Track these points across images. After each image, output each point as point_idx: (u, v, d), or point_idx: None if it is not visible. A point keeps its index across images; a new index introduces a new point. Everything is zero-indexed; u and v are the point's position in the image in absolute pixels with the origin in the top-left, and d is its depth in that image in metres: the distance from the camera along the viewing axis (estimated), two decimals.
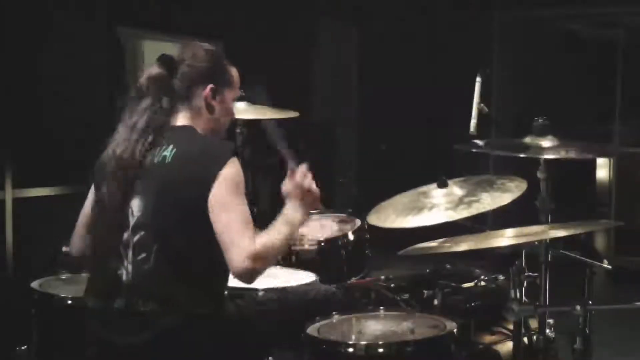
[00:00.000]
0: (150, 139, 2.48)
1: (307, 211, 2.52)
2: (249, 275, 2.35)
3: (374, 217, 2.91)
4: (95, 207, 2.59)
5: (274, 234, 2.42)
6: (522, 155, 2.72)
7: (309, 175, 2.52)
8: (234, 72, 2.70)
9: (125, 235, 2.44)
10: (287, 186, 2.52)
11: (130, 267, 2.43)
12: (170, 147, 2.47)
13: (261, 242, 2.36)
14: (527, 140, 2.80)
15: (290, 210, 2.49)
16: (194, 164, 2.44)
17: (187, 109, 2.59)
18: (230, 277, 2.56)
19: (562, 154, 2.65)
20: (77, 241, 2.70)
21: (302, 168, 2.52)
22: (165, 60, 2.59)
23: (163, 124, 2.53)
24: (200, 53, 2.62)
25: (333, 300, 2.85)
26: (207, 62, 2.61)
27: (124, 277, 2.43)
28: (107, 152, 2.56)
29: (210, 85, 2.60)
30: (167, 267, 2.41)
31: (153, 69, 2.58)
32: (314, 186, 2.52)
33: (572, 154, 2.66)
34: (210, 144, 2.56)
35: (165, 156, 2.46)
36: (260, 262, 2.34)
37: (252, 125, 3.84)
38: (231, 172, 2.42)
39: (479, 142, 2.95)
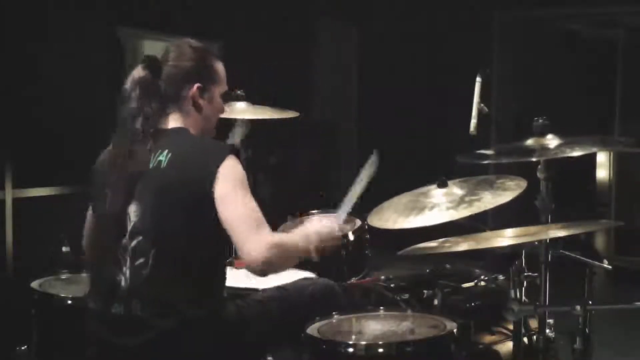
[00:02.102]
0: (148, 144, 2.47)
1: (320, 245, 2.53)
2: (265, 264, 2.34)
3: (374, 218, 2.91)
4: (93, 212, 2.59)
5: (290, 237, 2.47)
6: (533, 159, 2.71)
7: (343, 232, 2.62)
8: (220, 67, 2.68)
9: (123, 240, 2.44)
10: (322, 218, 2.59)
11: (128, 273, 2.43)
12: (165, 151, 2.46)
13: (278, 235, 2.41)
14: (530, 142, 2.80)
15: (309, 231, 2.52)
16: (191, 165, 2.44)
17: (177, 110, 2.58)
18: (229, 277, 2.57)
19: (567, 152, 2.64)
20: (89, 249, 2.73)
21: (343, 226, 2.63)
22: (149, 62, 2.57)
23: (156, 128, 2.52)
24: (185, 51, 2.60)
25: (332, 294, 2.85)
26: (192, 60, 2.59)
27: (123, 283, 2.43)
28: (103, 159, 2.56)
29: (197, 85, 2.59)
30: (166, 271, 2.41)
31: (138, 72, 2.56)
32: (337, 241, 2.59)
33: (577, 151, 2.65)
34: (205, 144, 2.56)
35: (160, 161, 2.45)
36: (276, 254, 2.34)
37: (252, 125, 3.83)
38: (231, 167, 2.42)
39: (484, 152, 2.94)
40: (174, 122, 2.58)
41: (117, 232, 2.45)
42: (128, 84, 2.55)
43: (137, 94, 2.52)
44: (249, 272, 2.43)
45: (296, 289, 2.79)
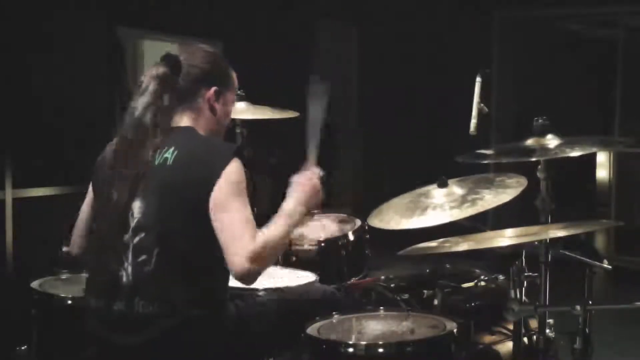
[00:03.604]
0: (157, 140, 2.48)
1: (308, 208, 2.53)
2: (250, 276, 2.35)
3: (376, 219, 2.90)
4: (95, 207, 2.59)
5: (274, 231, 2.42)
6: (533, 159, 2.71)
7: (320, 177, 2.56)
8: (233, 74, 2.71)
9: (126, 237, 2.44)
10: (298, 177, 2.53)
11: (130, 269, 2.42)
12: (172, 148, 2.47)
13: (261, 241, 2.35)
14: (530, 142, 2.79)
15: (292, 204, 2.49)
16: (196, 165, 2.44)
17: (189, 109, 2.59)
18: (231, 277, 2.57)
19: (567, 152, 2.64)
20: (78, 240, 2.72)
21: (317, 168, 2.56)
22: (170, 60, 2.58)
23: (165, 124, 2.53)
24: (201, 54, 2.62)
25: (333, 300, 2.85)
26: (210, 63, 2.62)
27: (124, 279, 2.43)
28: (109, 152, 2.55)
29: (215, 87, 2.60)
30: (168, 269, 2.41)
31: (158, 68, 2.56)
32: (320, 188, 2.55)
33: (577, 151, 2.65)
34: (212, 145, 2.56)
35: (166, 158, 2.46)
36: (260, 262, 2.34)
37: (252, 125, 3.84)
38: (233, 172, 2.42)
39: (484, 152, 2.94)
40: (183, 120, 2.58)
41: (119, 228, 2.45)
42: (145, 79, 2.56)
43: (153, 89, 2.53)
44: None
45: (296, 294, 2.79)
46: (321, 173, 2.57)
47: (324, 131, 2.65)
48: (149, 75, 2.56)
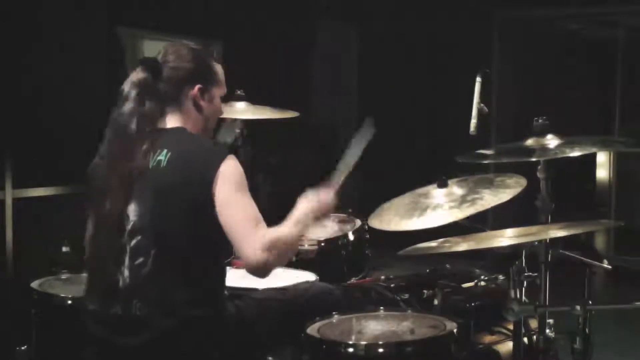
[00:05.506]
0: (146, 144, 2.47)
1: (316, 218, 2.56)
2: (265, 266, 2.36)
3: (376, 220, 2.90)
4: (90, 212, 2.58)
5: (284, 228, 2.46)
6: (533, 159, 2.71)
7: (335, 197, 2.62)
8: (219, 68, 2.69)
9: (122, 240, 2.44)
10: (315, 191, 2.56)
11: (127, 272, 2.42)
12: (165, 150, 2.46)
13: (273, 233, 2.39)
14: (530, 142, 2.79)
15: (304, 210, 2.53)
16: (191, 165, 2.44)
17: (177, 110, 2.59)
18: (229, 277, 2.57)
19: (567, 152, 2.64)
20: None
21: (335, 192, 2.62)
22: (149, 64, 2.57)
23: (153, 128, 2.52)
24: (184, 52, 2.61)
25: (331, 297, 2.85)
26: (192, 61, 2.60)
27: (121, 282, 2.43)
28: (99, 159, 2.55)
29: (198, 86, 2.60)
30: (165, 270, 2.41)
31: (137, 74, 2.56)
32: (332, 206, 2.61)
33: (577, 151, 2.65)
34: (204, 144, 2.56)
35: (160, 160, 2.45)
36: (274, 252, 2.35)
37: (252, 125, 3.84)
38: (231, 168, 2.43)
39: (484, 152, 2.94)
40: (173, 122, 2.58)
41: (115, 232, 2.45)
42: (125, 86, 2.55)
43: (134, 95, 2.52)
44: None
45: (295, 292, 2.79)
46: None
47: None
48: (129, 82, 2.55)
